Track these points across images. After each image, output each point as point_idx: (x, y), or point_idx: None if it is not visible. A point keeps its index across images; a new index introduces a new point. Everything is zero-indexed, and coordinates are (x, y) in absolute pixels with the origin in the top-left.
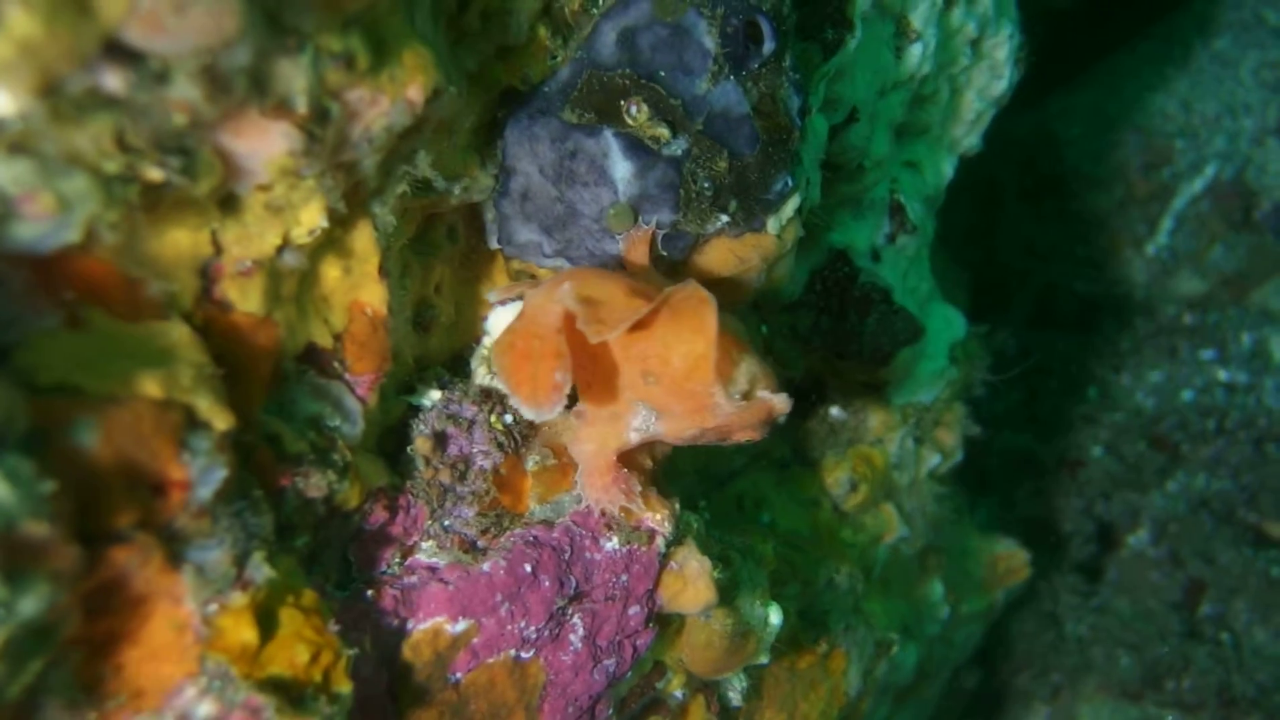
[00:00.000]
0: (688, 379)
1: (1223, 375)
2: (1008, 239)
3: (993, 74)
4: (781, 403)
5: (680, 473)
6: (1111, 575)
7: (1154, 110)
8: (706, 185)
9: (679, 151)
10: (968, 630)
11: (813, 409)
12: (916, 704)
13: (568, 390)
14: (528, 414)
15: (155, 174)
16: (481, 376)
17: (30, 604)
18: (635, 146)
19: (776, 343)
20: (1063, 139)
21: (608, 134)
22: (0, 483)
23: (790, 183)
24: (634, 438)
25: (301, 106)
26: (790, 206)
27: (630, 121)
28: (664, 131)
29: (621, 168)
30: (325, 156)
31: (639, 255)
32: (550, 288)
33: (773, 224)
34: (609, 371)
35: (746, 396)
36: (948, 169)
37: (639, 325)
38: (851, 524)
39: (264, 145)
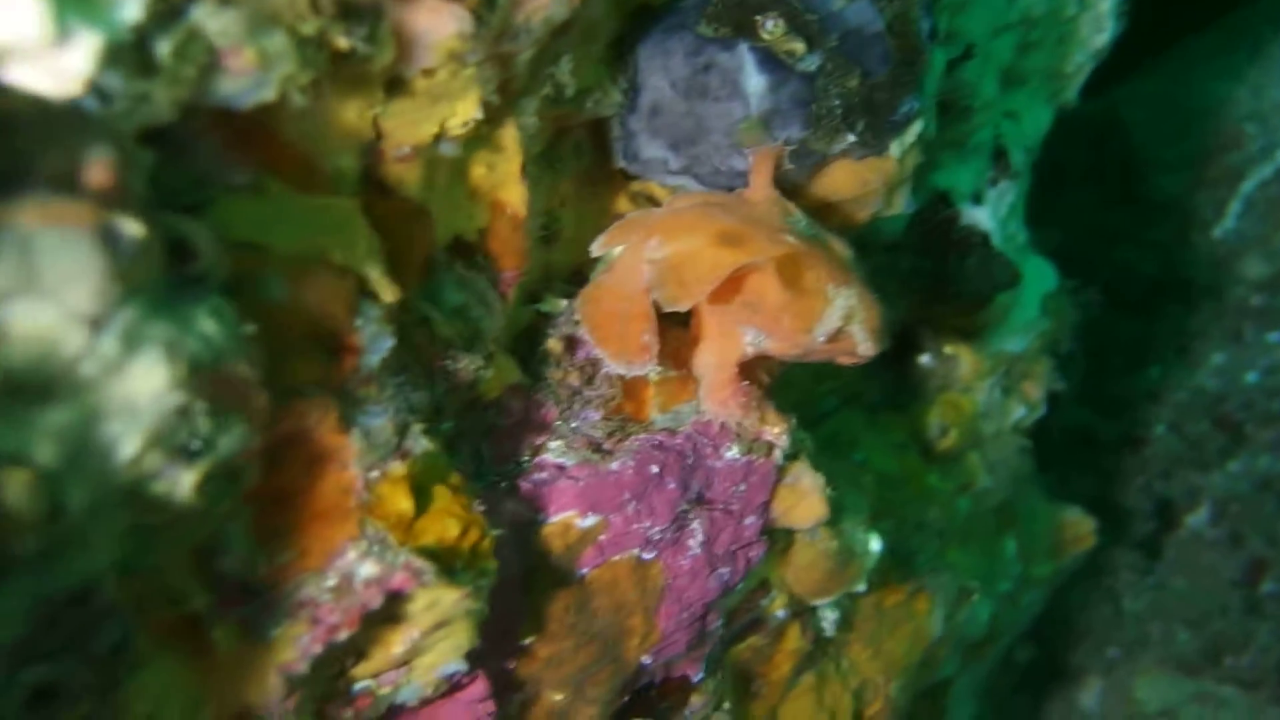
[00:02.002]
0: (778, 316)
1: None
2: (1072, 221)
3: (1096, 25)
4: (865, 346)
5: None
6: (1170, 554)
7: (1223, 96)
8: (838, 103)
9: (813, 67)
10: (1031, 596)
11: (905, 354)
12: (975, 668)
13: (656, 349)
14: (619, 370)
15: (343, 41)
16: None
17: (228, 442)
18: (770, 61)
19: (877, 283)
20: (1129, 123)
21: (743, 47)
22: (208, 319)
23: (916, 106)
24: (749, 351)
25: None
26: (914, 131)
27: (766, 36)
28: (799, 46)
29: (755, 81)
30: (489, 43)
31: (763, 174)
32: (638, 244)
33: (895, 148)
34: (720, 294)
35: (841, 331)
36: (1046, 121)
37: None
38: (939, 470)
39: (437, 24)
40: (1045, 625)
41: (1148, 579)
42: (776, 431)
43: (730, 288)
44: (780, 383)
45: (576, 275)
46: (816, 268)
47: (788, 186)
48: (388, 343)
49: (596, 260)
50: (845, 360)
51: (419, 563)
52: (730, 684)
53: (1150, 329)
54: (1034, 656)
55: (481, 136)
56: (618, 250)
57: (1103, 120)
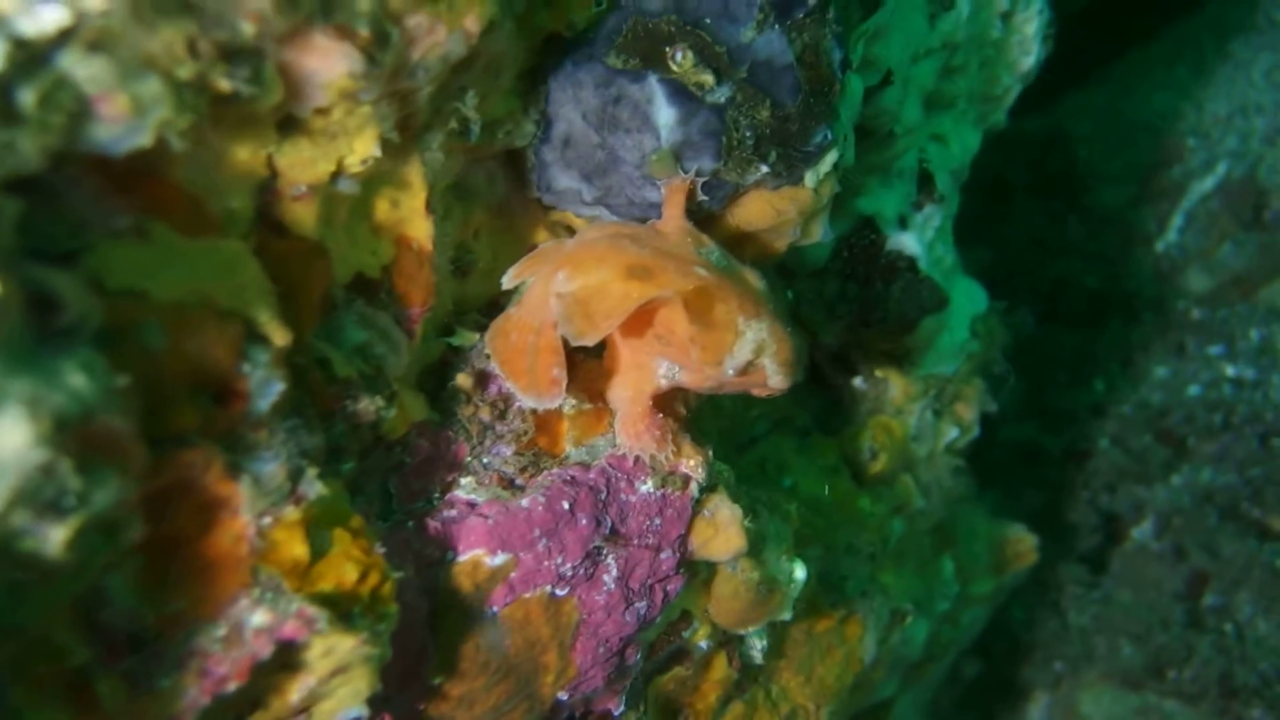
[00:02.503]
0: (688, 351)
1: (1230, 371)
2: (1017, 235)
3: (1021, 49)
4: (776, 379)
5: (706, 435)
6: (1115, 567)
7: (1166, 109)
8: (749, 134)
9: (722, 99)
10: (973, 613)
11: (836, 378)
12: (920, 686)
13: (565, 383)
14: (528, 403)
15: (224, 84)
16: None
17: (102, 496)
18: (679, 93)
19: (803, 309)
20: (1074, 136)
21: (652, 79)
22: (77, 374)
23: (830, 136)
24: (663, 383)
25: (364, 28)
26: (828, 160)
27: (675, 68)
28: (708, 78)
29: (665, 114)
30: (383, 82)
31: (676, 206)
32: (547, 276)
33: (810, 178)
34: (632, 326)
35: (752, 364)
36: (973, 143)
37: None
38: (870, 493)
39: (326, 65)
40: (992, 640)
41: (1093, 593)
42: (692, 464)
43: (641, 320)
44: (708, 408)
45: (492, 307)
46: (727, 300)
47: (702, 217)
48: (277, 387)
49: (512, 292)
50: (759, 393)
51: (311, 610)
52: (655, 716)
53: (1093, 343)
54: (981, 671)
55: (384, 173)
56: (530, 282)
57: (1047, 134)
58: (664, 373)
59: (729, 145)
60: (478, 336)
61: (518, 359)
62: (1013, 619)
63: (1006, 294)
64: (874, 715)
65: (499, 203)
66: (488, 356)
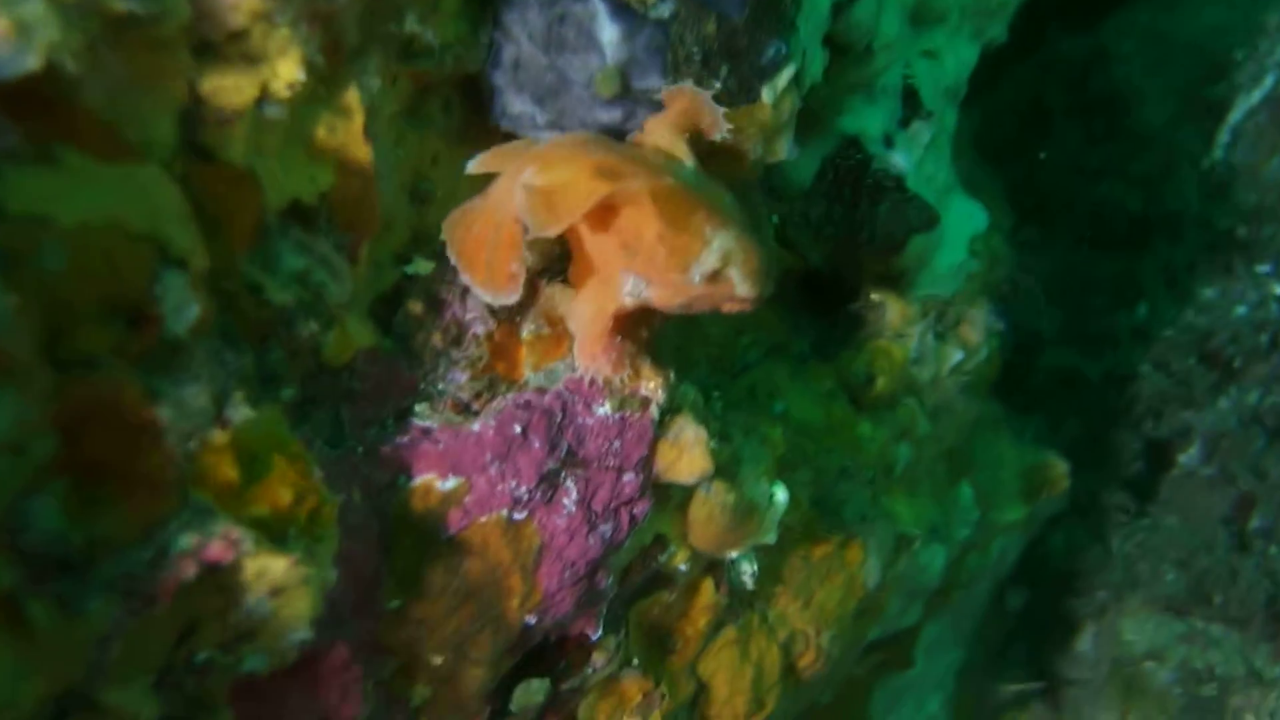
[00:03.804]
0: (654, 255)
1: (1278, 289)
2: (1055, 158)
3: None
4: (744, 288)
5: (693, 362)
6: (1161, 493)
7: (1213, 23)
8: (695, 49)
9: (666, 13)
10: (1004, 541)
11: (831, 304)
12: (953, 614)
13: (523, 279)
14: (485, 298)
15: (118, 5)
16: None
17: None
18: (622, 9)
19: (789, 232)
20: (1114, 55)
21: None
22: None
23: (785, 49)
24: (628, 301)
25: None
26: (785, 75)
27: None
28: None
29: (609, 31)
30: (297, 3)
31: (661, 122)
32: (514, 172)
33: (767, 93)
34: (598, 241)
35: (718, 274)
36: (970, 59)
37: (607, 209)
38: (871, 418)
39: None
40: (1035, 569)
41: (1139, 520)
42: (652, 386)
43: (604, 222)
44: (696, 335)
45: None
46: (695, 207)
47: None
48: (194, 309)
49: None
50: (729, 307)
51: (239, 532)
52: (640, 640)
53: (1135, 265)
54: (1027, 601)
55: (318, 98)
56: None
57: (1087, 54)
58: (629, 289)
59: (675, 61)
60: (433, 265)
61: (476, 251)
62: (1053, 548)
63: (1043, 218)
64: (896, 643)
65: (457, 130)
66: (446, 283)
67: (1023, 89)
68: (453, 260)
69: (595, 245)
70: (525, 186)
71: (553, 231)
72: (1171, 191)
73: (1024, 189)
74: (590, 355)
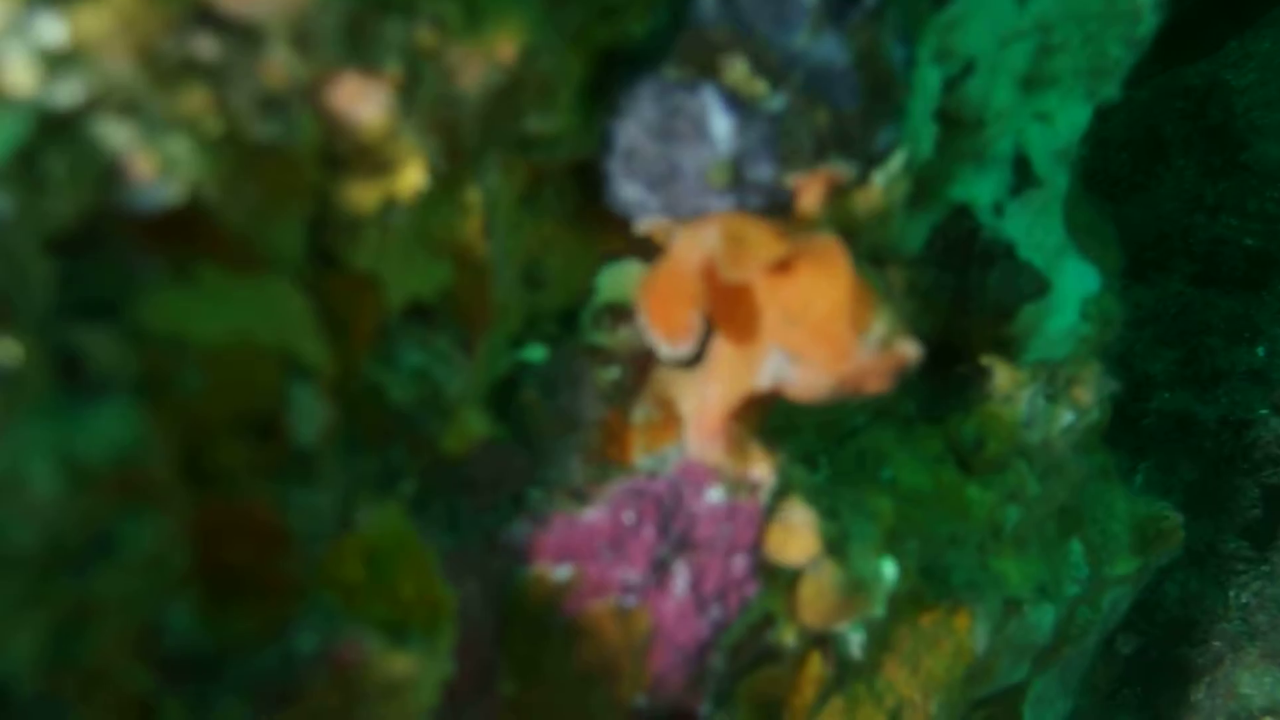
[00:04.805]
0: (828, 322)
1: None
2: (1171, 193)
3: (1131, 19)
4: (913, 350)
5: (799, 429)
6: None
7: None
8: (807, 140)
9: (778, 107)
10: (1115, 594)
11: (939, 368)
12: (1061, 666)
13: (700, 332)
14: (663, 352)
15: (255, 134)
16: (590, 333)
17: (140, 534)
18: (735, 102)
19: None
20: (1235, 87)
21: (707, 90)
22: (109, 423)
23: (897, 136)
24: (765, 382)
25: (394, 68)
26: (897, 161)
27: (729, 77)
28: (762, 88)
29: (721, 124)
30: (423, 115)
31: (810, 199)
32: (696, 229)
33: (880, 178)
34: (749, 315)
35: (884, 345)
36: (1082, 120)
37: (783, 268)
38: (979, 482)
39: (361, 106)
40: (1148, 616)
41: (1256, 568)
42: (762, 470)
43: (779, 294)
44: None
45: (566, 316)
46: (864, 272)
47: None
48: (320, 418)
49: (588, 299)
50: (873, 386)
51: (363, 633)
52: (749, 713)
53: (1253, 305)
54: (1138, 648)
55: (439, 198)
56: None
57: (1205, 85)
58: (772, 369)
59: (787, 152)
60: (546, 350)
61: (659, 307)
62: (1167, 596)
63: (1158, 255)
64: (1005, 700)
65: (570, 215)
66: (555, 369)
67: (1137, 120)
68: (641, 320)
69: (738, 317)
70: (718, 236)
71: (744, 273)
72: None
73: (1137, 225)
74: (704, 437)
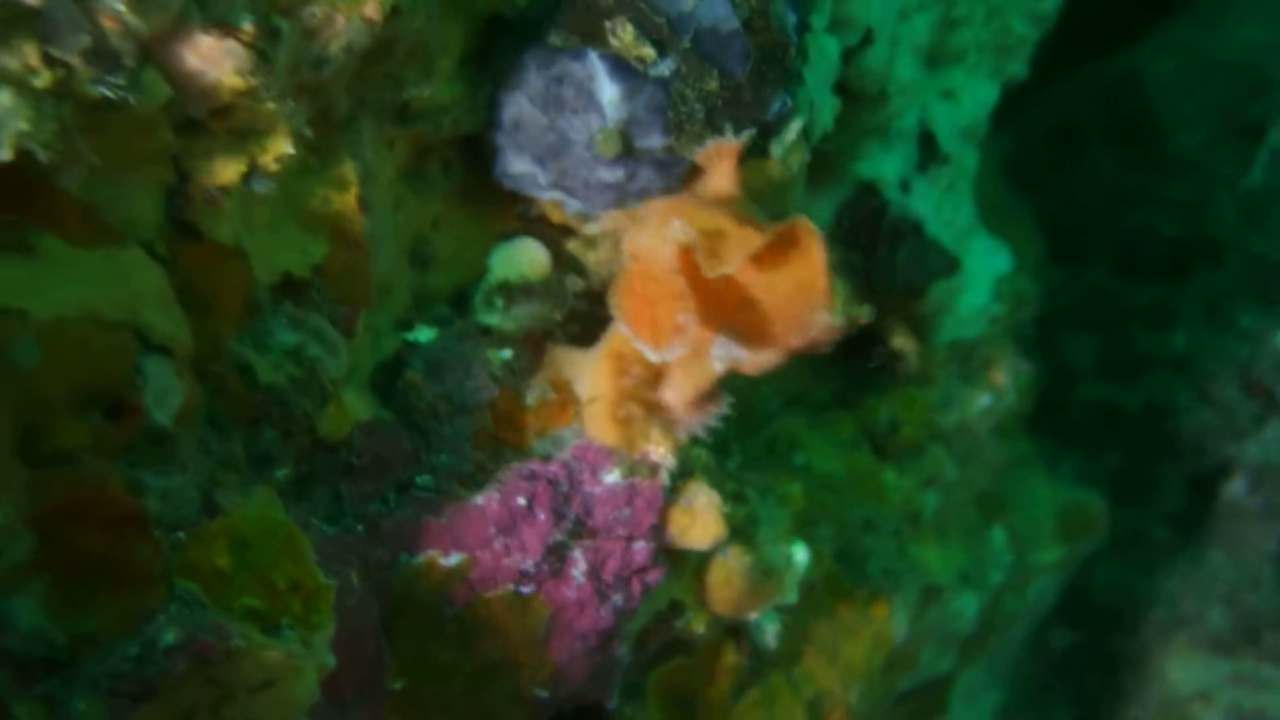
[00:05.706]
0: (794, 302)
1: None
2: (1089, 183)
3: None
4: (869, 313)
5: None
6: (1205, 527)
7: (1249, 43)
8: (698, 106)
9: (666, 72)
10: (1041, 583)
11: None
12: (989, 656)
13: (689, 332)
14: (651, 357)
15: (92, 91)
16: (482, 313)
17: None
18: (622, 68)
19: None
20: (1150, 76)
21: (593, 56)
22: None
23: (790, 103)
24: (717, 366)
25: (247, 24)
26: (793, 129)
27: (615, 42)
28: (649, 51)
29: (609, 91)
30: (282, 77)
31: (725, 170)
32: (658, 226)
33: (775, 148)
34: (720, 303)
35: (846, 315)
36: (989, 98)
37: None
38: (895, 467)
39: (212, 64)
40: (1077, 606)
41: (1181, 554)
42: (662, 450)
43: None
44: None
45: (458, 297)
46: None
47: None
48: (176, 397)
49: (480, 279)
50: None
51: (228, 625)
52: (661, 707)
53: (1174, 293)
54: (1071, 641)
55: (308, 169)
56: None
57: (1120, 76)
58: (719, 354)
59: (678, 119)
60: (435, 332)
61: (642, 311)
62: (1095, 585)
63: (1079, 245)
64: (932, 691)
65: (458, 191)
66: (444, 349)
67: (1055, 112)
68: (624, 329)
69: (706, 303)
70: (692, 233)
71: (728, 269)
72: (1210, 216)
73: (1056, 216)
74: (598, 421)
